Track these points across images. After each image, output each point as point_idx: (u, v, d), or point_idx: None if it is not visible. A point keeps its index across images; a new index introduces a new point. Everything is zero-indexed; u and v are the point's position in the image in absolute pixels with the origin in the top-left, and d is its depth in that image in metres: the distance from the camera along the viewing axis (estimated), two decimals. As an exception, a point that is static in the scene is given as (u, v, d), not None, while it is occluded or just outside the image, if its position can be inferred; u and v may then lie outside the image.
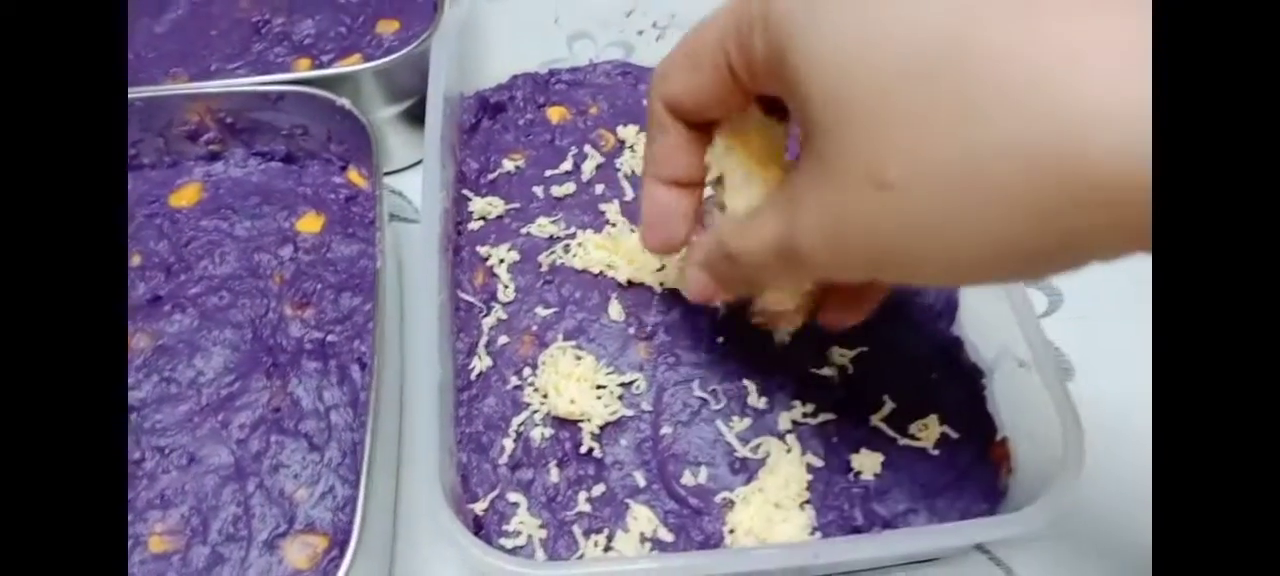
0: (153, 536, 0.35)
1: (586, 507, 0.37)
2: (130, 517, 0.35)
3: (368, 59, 0.50)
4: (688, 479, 0.37)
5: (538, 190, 0.46)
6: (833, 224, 0.25)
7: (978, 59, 0.21)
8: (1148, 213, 0.19)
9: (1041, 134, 0.20)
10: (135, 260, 0.42)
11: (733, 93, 0.29)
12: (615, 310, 0.41)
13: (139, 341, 0.40)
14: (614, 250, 0.43)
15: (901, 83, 0.22)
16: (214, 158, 0.46)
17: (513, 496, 0.36)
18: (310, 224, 0.44)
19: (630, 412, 0.39)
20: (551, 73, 0.52)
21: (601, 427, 0.38)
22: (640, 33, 0.53)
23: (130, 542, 0.35)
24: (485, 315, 0.41)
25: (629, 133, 0.49)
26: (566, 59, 0.53)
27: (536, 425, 0.38)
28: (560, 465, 0.37)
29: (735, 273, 0.31)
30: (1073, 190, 0.20)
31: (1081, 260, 0.22)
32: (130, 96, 0.43)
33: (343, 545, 0.35)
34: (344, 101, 0.43)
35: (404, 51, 0.46)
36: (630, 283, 0.42)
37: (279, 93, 0.43)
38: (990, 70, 0.21)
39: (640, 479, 0.37)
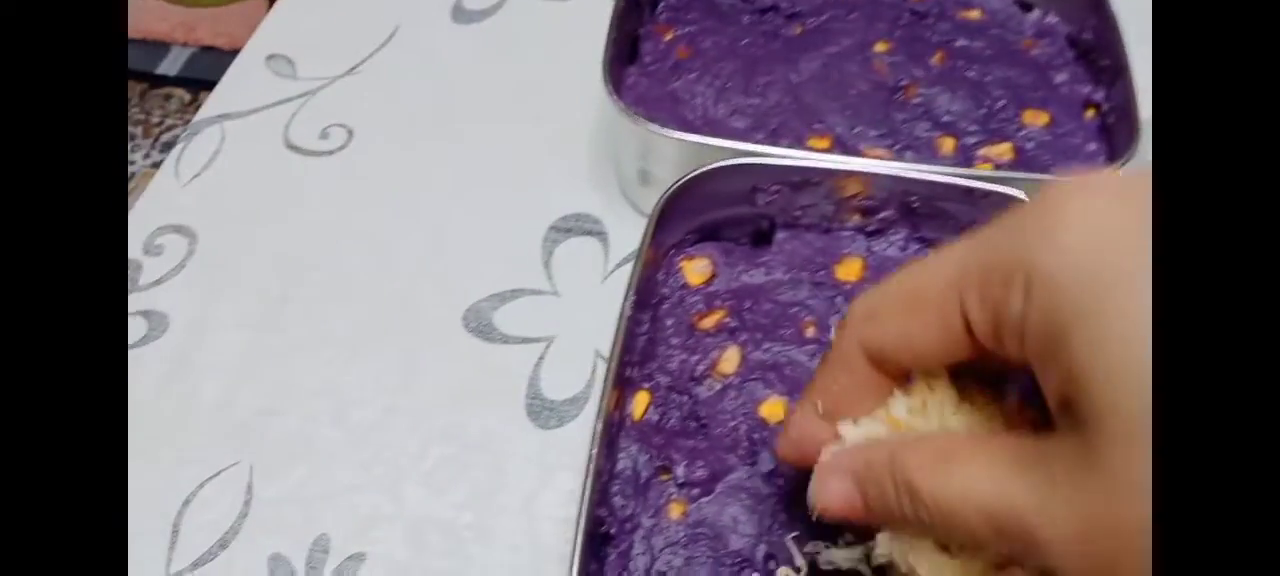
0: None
1: None
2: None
3: (1018, 150, 0.48)
4: None
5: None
6: (1104, 541, 0.20)
7: None
8: None
9: None
10: (810, 331, 0.42)
11: (958, 347, 0.25)
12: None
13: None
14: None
15: None
16: (873, 233, 0.46)
17: None
18: (984, 328, 0.42)
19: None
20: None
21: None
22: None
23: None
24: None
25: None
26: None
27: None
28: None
29: (906, 508, 0.25)
30: None
31: None
32: (830, 165, 0.43)
33: None
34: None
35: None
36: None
37: (986, 191, 0.42)
38: None
39: None
